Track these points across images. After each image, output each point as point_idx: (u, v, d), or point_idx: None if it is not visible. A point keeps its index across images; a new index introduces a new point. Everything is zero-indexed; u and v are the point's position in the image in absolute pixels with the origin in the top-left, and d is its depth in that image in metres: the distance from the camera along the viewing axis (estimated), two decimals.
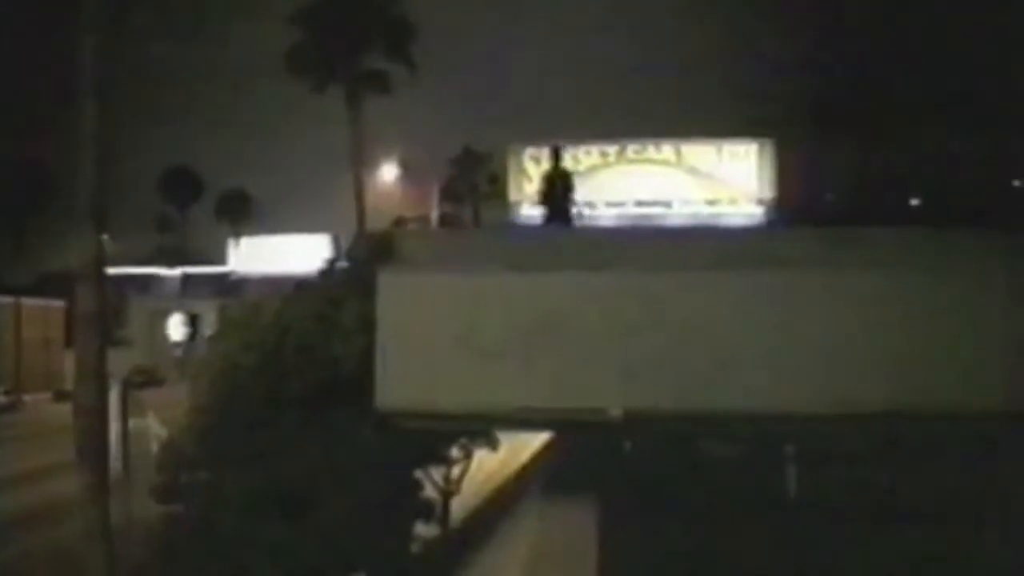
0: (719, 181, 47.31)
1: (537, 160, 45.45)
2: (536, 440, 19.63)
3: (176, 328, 71.09)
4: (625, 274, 10.31)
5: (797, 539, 11.17)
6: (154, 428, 14.00)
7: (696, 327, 10.23)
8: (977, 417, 9.99)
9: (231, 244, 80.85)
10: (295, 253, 57.73)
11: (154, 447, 13.49)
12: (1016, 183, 42.03)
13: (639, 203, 46.02)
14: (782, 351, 10.19)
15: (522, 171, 46.77)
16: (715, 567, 9.93)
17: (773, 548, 10.55)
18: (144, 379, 46.27)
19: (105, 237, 14.47)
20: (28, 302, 60.05)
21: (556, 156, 18.13)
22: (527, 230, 28.42)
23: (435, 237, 17.35)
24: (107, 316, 15.15)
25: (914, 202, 44.38)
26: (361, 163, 42.96)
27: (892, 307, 10.28)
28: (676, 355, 10.14)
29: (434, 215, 46.32)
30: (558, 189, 16.12)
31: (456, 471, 14.61)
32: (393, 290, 10.55)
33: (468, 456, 14.56)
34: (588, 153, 45.42)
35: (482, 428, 13.30)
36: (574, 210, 15.94)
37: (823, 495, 13.28)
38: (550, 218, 16.09)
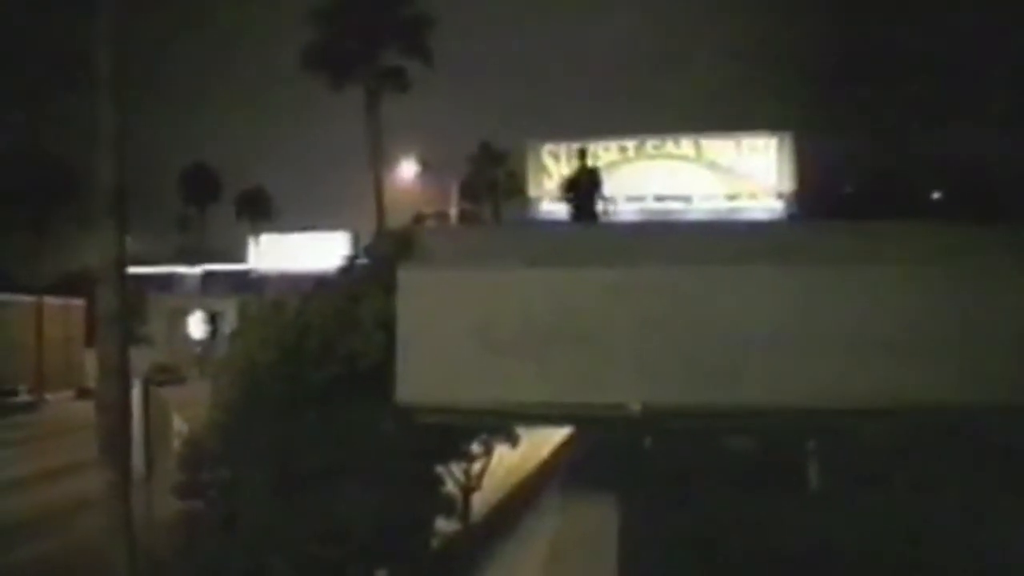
0: (739, 175, 47.14)
1: (556, 156, 45.45)
2: (556, 435, 19.67)
3: (197, 326, 71.44)
4: (644, 269, 10.30)
5: (817, 532, 11.12)
6: (176, 426, 14.03)
7: (716, 322, 10.21)
8: (1000, 412, 9.93)
9: (251, 242, 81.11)
10: (314, 251, 57.88)
11: (177, 444, 13.53)
12: None
13: (659, 198, 45.91)
14: (803, 346, 10.15)
15: (541, 167, 46.71)
16: (735, 561, 9.90)
17: (793, 542, 10.51)
18: (165, 377, 46.53)
19: (127, 237, 14.57)
20: (49, 301, 60.42)
21: (583, 156, 18.24)
22: (546, 226, 28.39)
23: (454, 234, 17.37)
24: (128, 314, 15.24)
25: (935, 195, 44.11)
26: (380, 161, 43.06)
27: (915, 301, 10.24)
28: (696, 350, 10.12)
29: (453, 212, 46.36)
30: (583, 187, 16.15)
31: (477, 467, 14.62)
32: (413, 286, 10.57)
33: (488, 452, 14.57)
34: (607, 149, 45.29)
35: (502, 424, 13.30)
36: (602, 206, 15.97)
37: (843, 489, 13.22)
38: (576, 217, 16.13)
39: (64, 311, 62.26)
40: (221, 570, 11.76)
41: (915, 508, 11.75)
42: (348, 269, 13.60)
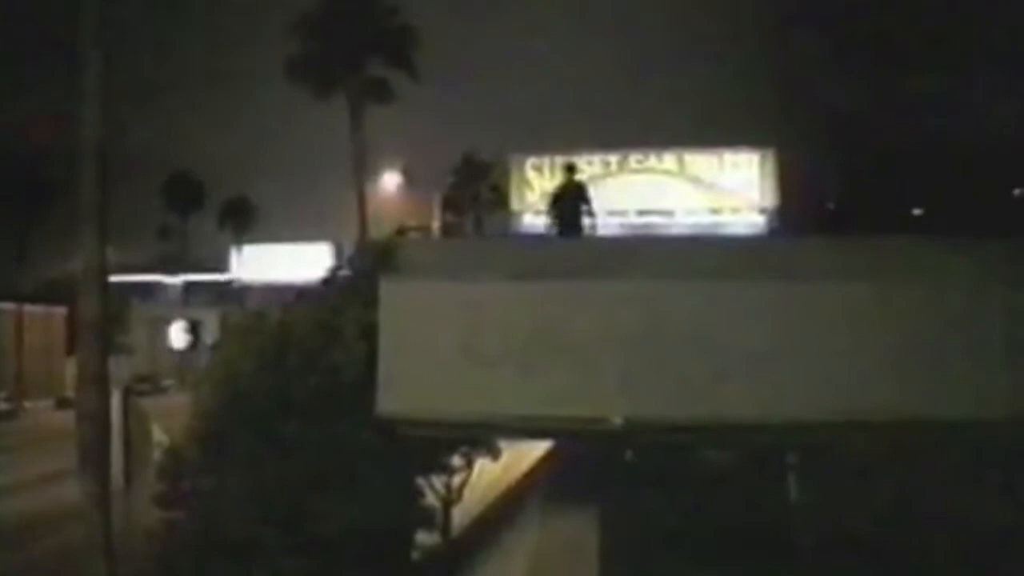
0: (721, 190, 47.29)
1: (539, 170, 45.49)
2: (537, 449, 19.66)
3: (178, 336, 71.17)
4: (626, 283, 10.35)
5: (798, 545, 11.16)
6: (156, 436, 13.96)
7: (697, 336, 10.25)
8: (979, 426, 10.00)
9: (233, 252, 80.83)
10: (297, 261, 57.78)
11: (156, 454, 13.46)
12: (1017, 191, 41.96)
13: (641, 212, 45.98)
14: (783, 360, 10.21)
15: (524, 181, 46.75)
16: (714, 572, 9.94)
17: (775, 555, 10.54)
18: (145, 386, 46.27)
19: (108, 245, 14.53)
20: (30, 309, 60.09)
21: (571, 170, 18.24)
22: (529, 239, 28.40)
23: (436, 246, 17.38)
24: (109, 323, 15.18)
25: (916, 212, 44.35)
26: (363, 172, 43.00)
27: (893, 316, 10.32)
28: (677, 364, 10.16)
29: (436, 224, 46.33)
30: (566, 202, 16.14)
31: (457, 480, 14.61)
32: (395, 298, 10.58)
33: (469, 465, 14.56)
34: (590, 163, 45.34)
35: (483, 436, 13.30)
36: (588, 222, 15.95)
37: (823, 502, 13.26)
38: (560, 231, 16.11)
39: (45, 319, 61.92)
40: None
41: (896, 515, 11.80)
42: (330, 280, 13.60)
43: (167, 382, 57.46)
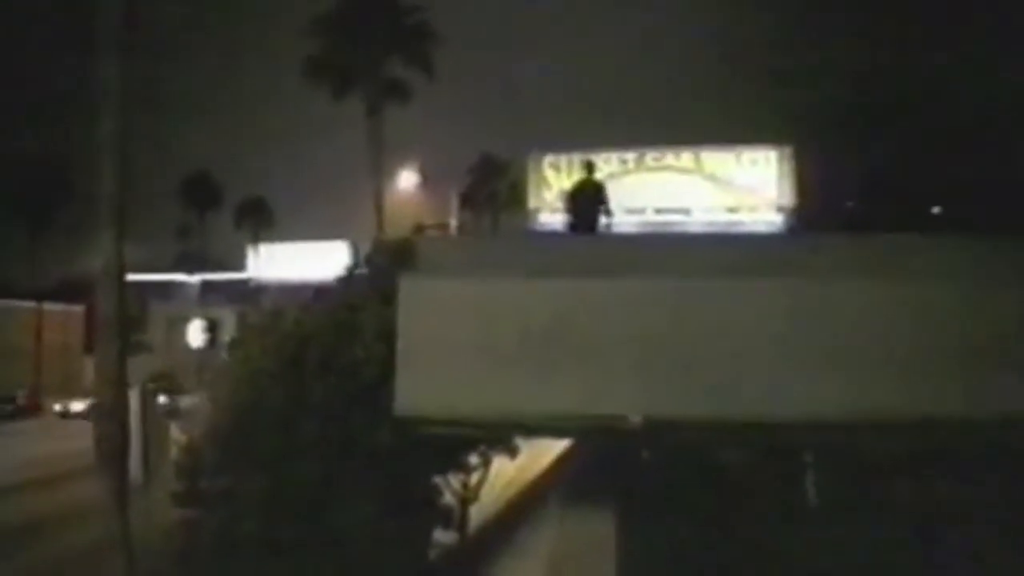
0: (739, 188, 47.02)
1: (557, 168, 45.39)
2: (556, 447, 19.63)
3: (195, 334, 71.29)
4: (645, 281, 10.28)
5: (813, 544, 11.09)
6: (174, 434, 14.01)
7: (716, 334, 10.19)
8: (1007, 426, 9.91)
9: (250, 251, 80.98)
10: (314, 260, 57.70)
11: (173, 453, 13.50)
12: None
13: (659, 210, 45.78)
14: (803, 359, 10.14)
15: (542, 179, 46.68)
16: (731, 571, 9.88)
17: (789, 553, 10.48)
18: (163, 385, 46.39)
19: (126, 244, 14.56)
20: (49, 307, 60.37)
21: (589, 169, 18.13)
22: (547, 237, 28.32)
23: (455, 244, 17.32)
24: (127, 322, 15.21)
25: (935, 210, 44.12)
26: (380, 171, 43.03)
27: (915, 315, 10.22)
28: (696, 362, 10.10)
29: (453, 223, 46.31)
30: (584, 200, 16.04)
31: (475, 478, 14.59)
32: (413, 296, 10.54)
33: (487, 463, 14.53)
34: (608, 160, 45.17)
35: (501, 434, 13.27)
36: (605, 220, 15.82)
37: (841, 501, 13.19)
38: (575, 229, 16.02)
39: (63, 318, 62.22)
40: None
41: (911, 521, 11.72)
42: (348, 279, 13.59)
43: (185, 381, 57.57)
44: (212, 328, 65.53)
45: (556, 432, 13.38)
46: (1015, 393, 9.96)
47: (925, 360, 10.13)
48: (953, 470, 12.24)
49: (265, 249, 79.50)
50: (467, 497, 14.54)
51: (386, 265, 12.46)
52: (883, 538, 11.23)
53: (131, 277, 15.99)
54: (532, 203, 47.05)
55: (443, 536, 13.35)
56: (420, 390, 10.29)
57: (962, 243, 11.34)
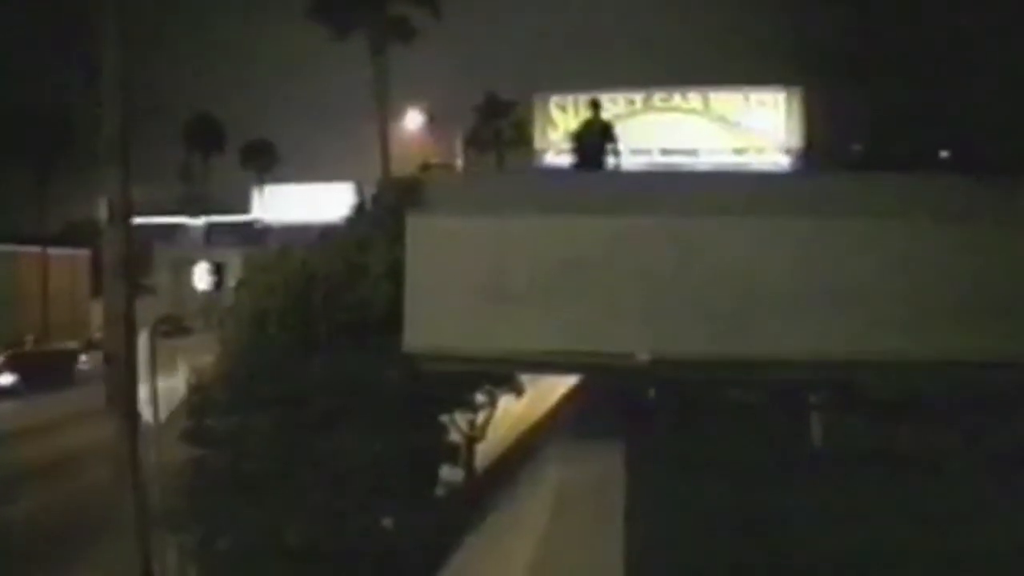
0: (746, 130, 46.85)
1: (563, 108, 45.17)
2: (562, 385, 19.70)
3: (201, 277, 71.37)
4: (654, 218, 10.22)
5: (822, 486, 11.13)
6: (183, 375, 14.07)
7: (725, 272, 10.15)
8: (1013, 367, 9.89)
9: (255, 193, 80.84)
10: (319, 202, 57.62)
11: (183, 392, 13.57)
12: None
13: (665, 152, 45.59)
14: (811, 297, 10.10)
15: (547, 119, 46.44)
16: (740, 510, 9.91)
17: (797, 493, 10.51)
18: (170, 328, 46.52)
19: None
20: (54, 251, 60.41)
21: (595, 108, 17.93)
22: (554, 174, 28.18)
23: (463, 181, 17.24)
24: (133, 265, 15.24)
25: (944, 154, 43.83)
26: (385, 111, 42.80)
27: (925, 254, 10.17)
28: (705, 300, 10.08)
29: (458, 163, 46.13)
30: (590, 139, 15.90)
31: (481, 417, 14.67)
32: (421, 234, 10.49)
33: (493, 402, 14.60)
34: (614, 101, 44.89)
35: (508, 371, 13.31)
36: (612, 160, 15.66)
37: (847, 444, 13.22)
38: (583, 169, 15.88)
39: (70, 262, 62.28)
40: (226, 515, 11.84)
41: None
42: (355, 218, 13.56)
43: (192, 323, 57.74)
44: (218, 271, 65.55)
45: (563, 369, 13.40)
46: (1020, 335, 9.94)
47: (938, 300, 10.09)
48: (955, 412, 12.24)
49: (270, 191, 79.40)
50: (474, 436, 14.63)
51: (394, 203, 12.43)
52: (888, 485, 11.25)
53: (136, 220, 15.98)
54: (538, 143, 46.89)
55: (450, 474, 13.45)
56: (428, 327, 10.28)
57: (971, 183, 11.26)
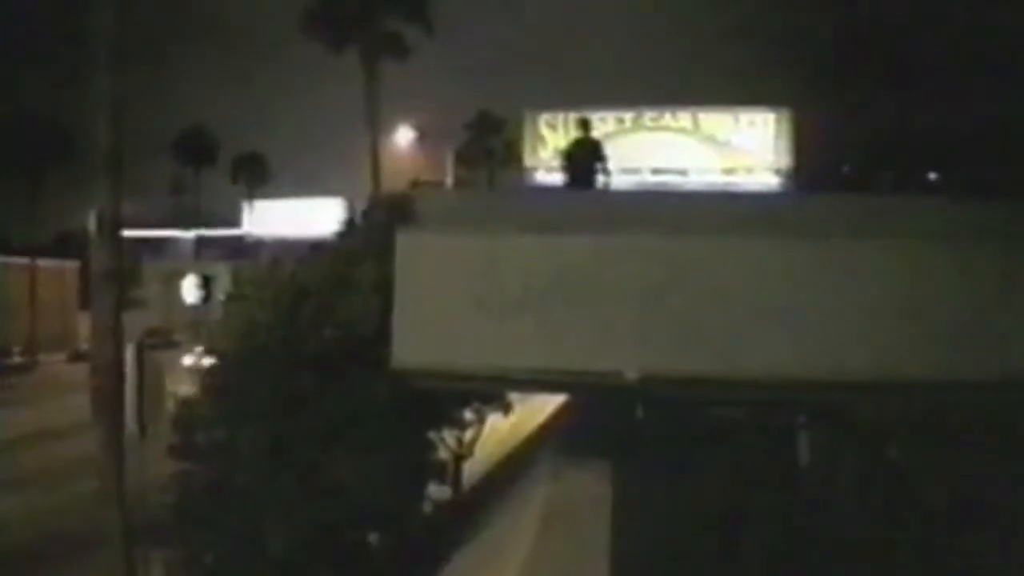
0: (736, 150, 46.86)
1: (553, 126, 45.17)
2: (551, 403, 19.68)
3: (190, 290, 71.18)
4: (644, 237, 10.25)
5: (807, 503, 11.15)
6: (169, 388, 14.02)
7: (715, 291, 10.17)
8: (1005, 389, 9.92)
9: (245, 207, 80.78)
10: (309, 216, 57.65)
11: (169, 406, 13.51)
12: None
13: (655, 171, 45.60)
14: (800, 318, 10.13)
15: (538, 137, 46.46)
16: (727, 529, 9.93)
17: (784, 511, 10.53)
18: (157, 341, 46.36)
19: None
20: (44, 263, 60.22)
21: (585, 127, 17.98)
22: (544, 192, 28.21)
23: (453, 198, 17.27)
24: (122, 277, 15.20)
25: (932, 176, 44.10)
26: (376, 127, 42.78)
27: (913, 275, 10.21)
28: (694, 319, 10.10)
29: (449, 180, 46.13)
30: (580, 158, 15.91)
31: (469, 434, 14.65)
32: (410, 250, 10.51)
33: (481, 420, 14.59)
34: (604, 120, 44.92)
35: (497, 389, 13.30)
36: (602, 180, 15.66)
37: (834, 462, 13.23)
38: (570, 185, 15.89)
39: (58, 273, 62.11)
40: (213, 531, 11.77)
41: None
42: (346, 233, 13.56)
43: (180, 336, 57.56)
44: (207, 284, 65.39)
45: (552, 387, 13.39)
46: (1008, 356, 9.97)
47: (926, 321, 10.13)
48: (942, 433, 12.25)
49: (260, 205, 79.33)
50: (461, 453, 14.61)
51: (384, 219, 12.44)
52: (873, 504, 11.26)
53: (126, 232, 15.95)
54: (528, 161, 46.83)
55: (437, 491, 13.42)
56: (417, 344, 10.29)
57: (954, 205, 11.33)
